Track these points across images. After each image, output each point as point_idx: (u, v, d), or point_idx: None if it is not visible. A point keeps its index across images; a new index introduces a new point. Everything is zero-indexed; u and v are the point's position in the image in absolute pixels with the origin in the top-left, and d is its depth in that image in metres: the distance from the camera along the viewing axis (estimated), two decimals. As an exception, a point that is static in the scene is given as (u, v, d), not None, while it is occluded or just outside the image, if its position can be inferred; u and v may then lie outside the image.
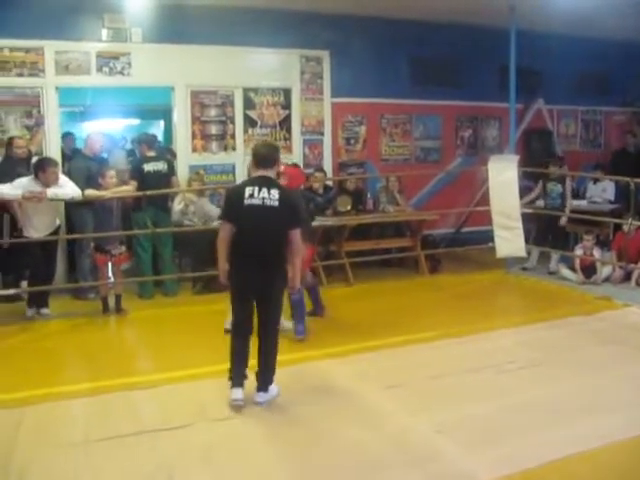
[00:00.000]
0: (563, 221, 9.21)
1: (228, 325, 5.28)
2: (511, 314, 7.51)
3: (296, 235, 4.72)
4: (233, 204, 4.73)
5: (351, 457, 3.99)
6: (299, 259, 4.81)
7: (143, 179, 8.09)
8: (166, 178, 8.39)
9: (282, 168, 6.15)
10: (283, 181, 5.80)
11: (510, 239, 8.99)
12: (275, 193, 4.65)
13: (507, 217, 9.00)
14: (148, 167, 8.29)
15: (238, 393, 4.70)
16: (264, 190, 4.64)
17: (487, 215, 9.25)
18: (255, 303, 4.81)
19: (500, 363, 5.59)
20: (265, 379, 4.80)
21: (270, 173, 4.80)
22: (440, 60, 10.48)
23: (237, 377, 4.74)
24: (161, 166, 8.37)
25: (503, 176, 9.03)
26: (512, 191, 8.98)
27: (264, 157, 4.81)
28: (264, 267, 4.71)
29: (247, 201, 4.62)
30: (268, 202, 4.62)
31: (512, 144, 9.63)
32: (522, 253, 9.08)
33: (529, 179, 10.11)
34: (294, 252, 4.71)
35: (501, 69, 9.87)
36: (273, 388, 4.81)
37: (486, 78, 10.54)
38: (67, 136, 9.25)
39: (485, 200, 9.53)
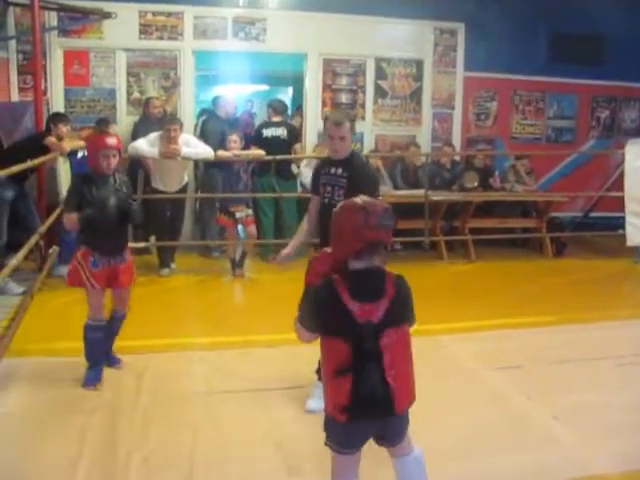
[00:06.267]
0: None
1: None
2: (638, 305, 7.16)
3: None
4: None
5: (465, 436, 3.96)
6: None
7: (261, 144, 8.17)
8: (285, 144, 8.39)
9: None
10: None
11: (642, 227, 8.62)
12: None
13: (642, 204, 8.62)
14: (267, 132, 8.40)
15: None
16: None
17: (619, 201, 8.88)
18: None
19: (624, 354, 5.36)
20: None
21: None
22: (582, 36, 9.97)
23: None
24: (280, 132, 8.41)
25: (641, 161, 8.64)
26: (650, 177, 8.59)
27: None
28: None
29: None
30: None
31: (655, 127, 9.19)
32: (655, 243, 8.69)
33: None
34: None
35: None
36: None
37: (632, 56, 9.98)
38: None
39: (618, 185, 9.17)
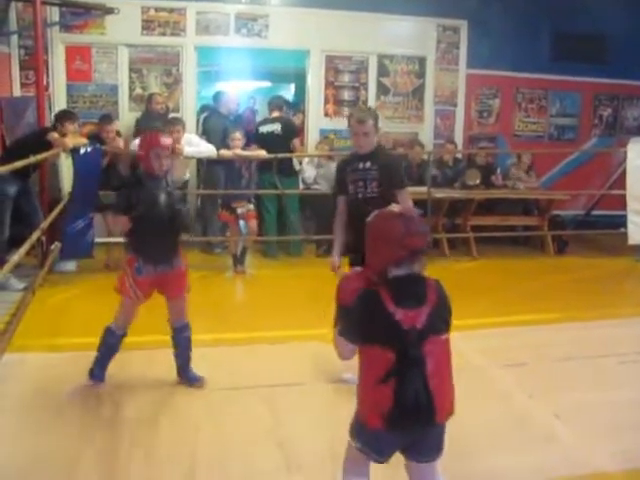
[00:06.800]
0: None
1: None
2: (640, 303, 7.17)
3: None
4: None
5: (467, 434, 3.94)
6: None
7: (258, 141, 8.18)
8: (280, 139, 8.34)
9: None
10: None
11: (644, 226, 8.61)
12: None
13: (643, 203, 8.60)
14: (263, 129, 8.42)
15: None
16: None
17: (621, 199, 8.87)
18: None
19: (626, 352, 5.34)
20: None
21: None
22: (585, 35, 9.95)
23: None
24: (275, 127, 8.39)
25: (643, 159, 8.62)
26: (652, 176, 8.57)
27: None
28: None
29: None
30: None
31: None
32: (657, 241, 8.67)
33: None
34: None
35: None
36: None
37: (634, 55, 9.96)
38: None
39: (620, 183, 9.16)
